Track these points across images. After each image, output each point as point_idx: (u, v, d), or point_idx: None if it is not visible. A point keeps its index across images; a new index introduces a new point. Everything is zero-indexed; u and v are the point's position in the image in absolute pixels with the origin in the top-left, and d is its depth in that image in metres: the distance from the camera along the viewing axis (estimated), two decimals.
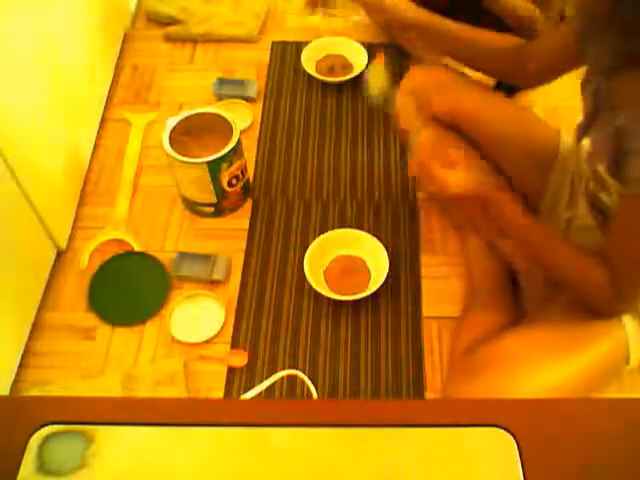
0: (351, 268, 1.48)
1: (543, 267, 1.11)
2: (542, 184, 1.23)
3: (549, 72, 1.18)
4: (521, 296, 1.35)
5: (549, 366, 1.00)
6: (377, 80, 1.57)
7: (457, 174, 1.07)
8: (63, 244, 1.54)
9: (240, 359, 1.38)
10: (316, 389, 1.27)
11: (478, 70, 1.33)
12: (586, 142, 0.96)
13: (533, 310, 1.19)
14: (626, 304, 1.00)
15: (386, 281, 1.43)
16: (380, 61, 1.59)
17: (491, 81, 1.60)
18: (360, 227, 1.55)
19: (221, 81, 1.88)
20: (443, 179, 1.07)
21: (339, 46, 1.93)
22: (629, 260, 0.90)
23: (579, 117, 1.01)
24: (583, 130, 0.99)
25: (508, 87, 1.60)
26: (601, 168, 0.91)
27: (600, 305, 1.00)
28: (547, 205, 1.24)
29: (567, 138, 1.22)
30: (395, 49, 1.85)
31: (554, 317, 1.07)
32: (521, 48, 1.22)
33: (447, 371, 1.30)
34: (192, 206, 1.61)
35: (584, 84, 1.00)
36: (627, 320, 1.03)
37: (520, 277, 1.36)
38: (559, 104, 1.68)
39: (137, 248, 1.55)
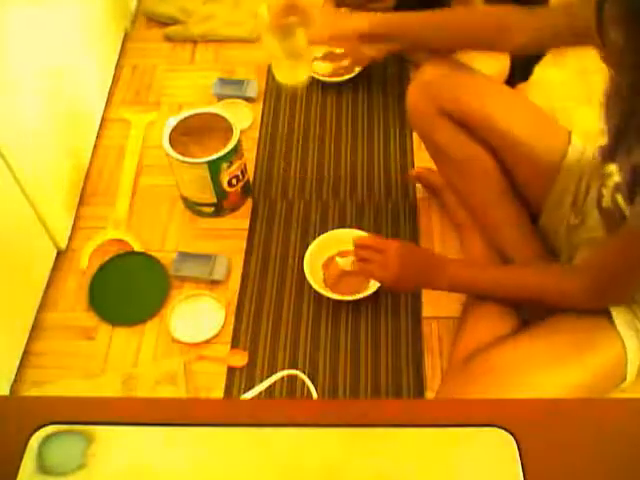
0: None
1: (522, 300, 1.15)
2: (547, 185, 1.22)
3: (534, 46, 1.17)
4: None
5: (545, 378, 1.00)
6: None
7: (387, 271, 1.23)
8: (63, 244, 1.54)
9: (240, 359, 1.38)
10: (316, 389, 1.27)
11: (462, 48, 1.28)
12: (613, 169, 0.95)
13: (533, 317, 1.18)
14: (608, 301, 1.04)
15: None
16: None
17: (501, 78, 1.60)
18: (360, 227, 1.55)
19: (221, 81, 1.88)
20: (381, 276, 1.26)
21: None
22: (611, 272, 0.99)
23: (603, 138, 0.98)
24: (608, 154, 0.97)
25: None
26: (619, 198, 0.93)
27: (580, 306, 1.05)
28: (550, 207, 1.23)
29: (577, 141, 1.21)
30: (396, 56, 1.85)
31: (554, 328, 1.07)
32: (507, 16, 1.17)
33: (444, 375, 1.29)
34: (192, 206, 1.61)
35: (608, 103, 0.97)
36: (627, 337, 1.03)
37: None
38: (557, 104, 1.68)
39: (137, 248, 1.55)
